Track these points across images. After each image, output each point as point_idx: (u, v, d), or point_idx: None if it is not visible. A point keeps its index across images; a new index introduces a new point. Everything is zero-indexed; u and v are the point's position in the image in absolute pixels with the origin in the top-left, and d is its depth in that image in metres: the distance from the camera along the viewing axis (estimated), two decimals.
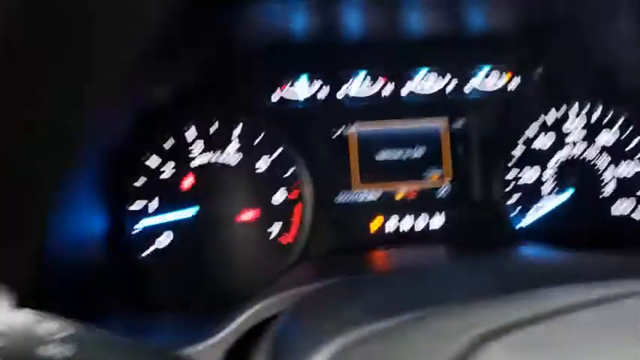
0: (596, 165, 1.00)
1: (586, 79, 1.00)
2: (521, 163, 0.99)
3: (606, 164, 1.00)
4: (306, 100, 0.97)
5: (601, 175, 1.00)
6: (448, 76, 0.99)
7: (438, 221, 0.97)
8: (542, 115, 0.99)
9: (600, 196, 1.00)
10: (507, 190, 0.98)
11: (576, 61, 0.99)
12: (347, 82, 0.97)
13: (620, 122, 1.00)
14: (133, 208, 0.89)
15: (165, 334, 0.75)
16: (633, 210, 1.00)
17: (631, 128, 1.00)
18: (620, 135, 1.01)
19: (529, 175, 0.99)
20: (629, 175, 1.01)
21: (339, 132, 0.96)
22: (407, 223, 0.97)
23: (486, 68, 0.99)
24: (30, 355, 0.37)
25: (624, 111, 1.00)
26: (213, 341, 0.66)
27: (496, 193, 0.98)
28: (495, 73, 1.00)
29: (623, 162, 1.00)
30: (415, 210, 0.97)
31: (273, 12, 0.84)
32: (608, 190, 1.00)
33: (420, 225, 0.97)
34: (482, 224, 0.97)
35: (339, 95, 0.97)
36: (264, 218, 0.93)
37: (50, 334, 0.40)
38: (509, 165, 0.99)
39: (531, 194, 1.00)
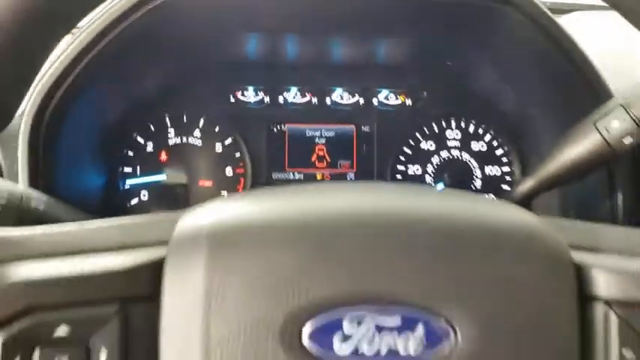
0: (468, 166, 1.36)
1: (463, 103, 1.36)
2: (410, 160, 1.35)
3: (477, 165, 1.36)
4: (256, 102, 1.34)
5: (472, 173, 1.36)
6: (357, 95, 1.35)
7: None
8: (429, 126, 1.36)
9: (471, 189, 1.35)
10: (397, 178, 1.35)
11: (456, 89, 1.35)
12: (281, 94, 1.34)
13: (488, 137, 1.36)
14: (125, 170, 1.28)
15: None
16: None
17: (497, 141, 1.36)
18: (489, 145, 1.37)
19: (415, 169, 1.36)
20: (495, 174, 1.36)
21: (278, 127, 1.34)
22: None
23: (386, 91, 1.36)
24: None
25: (492, 129, 1.36)
26: None
27: (385, 180, 1.34)
28: (392, 95, 1.36)
29: (489, 165, 1.36)
30: None
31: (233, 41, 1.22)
32: (477, 184, 1.36)
33: None
34: None
35: (280, 100, 1.35)
36: (218, 185, 1.31)
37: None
38: (402, 160, 1.35)
39: (416, 182, 1.35)
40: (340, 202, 0.48)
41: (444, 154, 1.35)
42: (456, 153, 1.35)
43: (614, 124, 0.82)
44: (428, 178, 1.35)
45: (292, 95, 1.33)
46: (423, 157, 1.35)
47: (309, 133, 1.33)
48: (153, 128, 1.29)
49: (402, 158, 1.34)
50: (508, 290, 0.44)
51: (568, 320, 0.45)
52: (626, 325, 0.46)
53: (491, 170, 1.36)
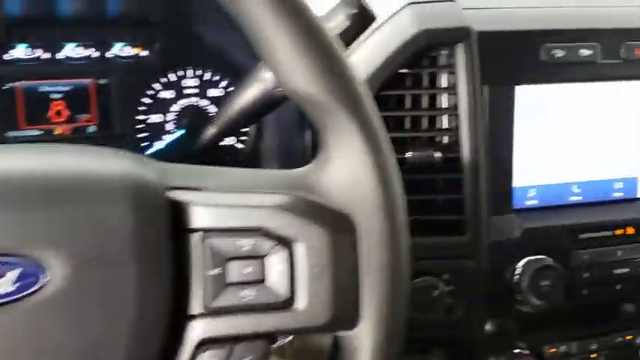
0: (206, 111, 1.46)
1: (199, 53, 1.45)
2: (151, 110, 1.43)
3: (214, 110, 1.46)
4: None
5: (210, 118, 1.46)
6: (92, 49, 1.38)
7: None
8: (167, 76, 1.44)
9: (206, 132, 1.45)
10: (139, 127, 1.42)
11: (191, 40, 1.43)
12: (7, 52, 1.33)
13: (224, 84, 1.48)
14: None
15: None
16: None
17: (232, 88, 1.48)
18: (225, 92, 1.48)
19: (156, 117, 1.43)
20: None
21: (8, 85, 1.33)
22: None
23: (120, 44, 1.40)
24: None
25: (227, 76, 1.48)
26: None
27: (127, 130, 1.41)
28: (128, 48, 1.41)
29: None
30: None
31: None
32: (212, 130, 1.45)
33: None
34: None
35: (7, 58, 1.33)
36: None
37: None
38: (143, 110, 1.42)
39: (158, 130, 1.44)
40: None
41: (183, 101, 1.44)
42: (194, 100, 1.45)
43: (268, 76, 0.95)
44: (170, 126, 1.44)
45: (21, 52, 1.33)
46: (162, 106, 1.43)
47: (43, 89, 1.35)
48: None
49: (143, 108, 1.41)
50: (100, 231, 0.50)
51: (161, 252, 0.52)
52: (214, 249, 0.54)
53: None
